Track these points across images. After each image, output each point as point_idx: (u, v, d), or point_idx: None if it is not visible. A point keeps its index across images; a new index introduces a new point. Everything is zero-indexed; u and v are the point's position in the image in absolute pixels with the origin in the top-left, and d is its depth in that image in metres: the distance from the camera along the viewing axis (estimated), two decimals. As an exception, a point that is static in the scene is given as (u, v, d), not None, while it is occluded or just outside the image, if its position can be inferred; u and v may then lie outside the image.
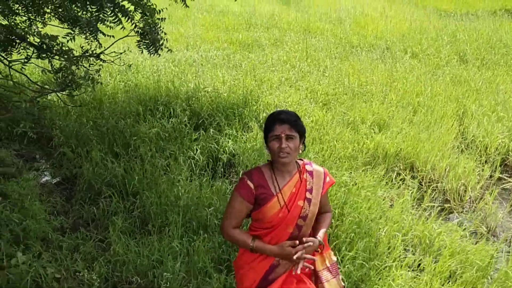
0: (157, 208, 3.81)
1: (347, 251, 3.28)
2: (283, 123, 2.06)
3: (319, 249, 2.23)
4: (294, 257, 2.10)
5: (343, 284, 2.39)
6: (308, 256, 2.13)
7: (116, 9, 3.55)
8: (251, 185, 2.14)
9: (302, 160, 2.28)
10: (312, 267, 2.25)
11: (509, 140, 5.25)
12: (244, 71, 7.36)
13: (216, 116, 5.56)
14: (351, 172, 4.52)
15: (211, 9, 13.30)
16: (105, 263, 3.29)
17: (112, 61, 4.57)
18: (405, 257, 3.36)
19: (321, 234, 2.24)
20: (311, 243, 2.14)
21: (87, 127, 5.14)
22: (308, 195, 2.19)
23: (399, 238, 3.53)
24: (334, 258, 2.34)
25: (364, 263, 3.19)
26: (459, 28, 10.43)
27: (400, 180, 4.60)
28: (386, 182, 4.51)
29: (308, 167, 2.25)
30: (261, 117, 5.64)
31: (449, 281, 3.17)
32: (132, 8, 3.76)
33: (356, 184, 4.25)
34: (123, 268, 3.23)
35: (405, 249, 3.56)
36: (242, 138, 5.07)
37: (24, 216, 3.61)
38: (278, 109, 2.21)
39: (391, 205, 4.17)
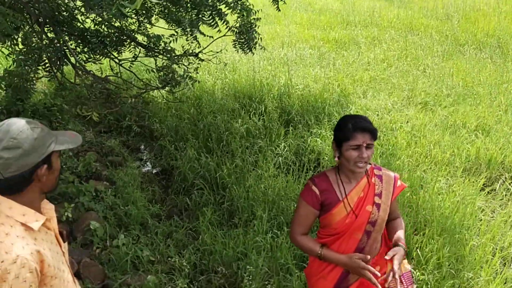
0: (244, 202, 3.95)
1: (430, 257, 3.09)
2: (365, 132, 1.97)
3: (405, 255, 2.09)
4: (363, 273, 1.97)
5: None
6: (373, 272, 1.96)
7: (214, 12, 3.75)
8: (316, 191, 2.08)
9: (370, 163, 2.17)
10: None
11: None
12: (337, 70, 7.25)
13: (305, 114, 5.57)
14: (447, 179, 4.25)
15: (309, 7, 13.28)
16: (194, 251, 3.50)
17: (210, 60, 4.82)
18: (502, 273, 3.08)
19: (402, 236, 2.12)
20: (395, 254, 1.99)
21: (185, 122, 5.49)
22: (377, 199, 2.09)
23: (498, 251, 3.24)
24: (408, 267, 2.21)
25: (451, 270, 3.00)
26: None
27: (505, 190, 4.20)
28: (488, 192, 4.16)
29: (376, 171, 2.15)
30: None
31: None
32: (228, 11, 3.94)
33: (453, 191, 3.99)
34: (210, 258, 3.40)
35: (504, 264, 3.26)
36: (331, 138, 5.01)
37: (126, 202, 3.98)
38: (359, 116, 2.09)
39: (492, 217, 3.85)
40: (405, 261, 2.23)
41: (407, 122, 5.36)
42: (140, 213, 3.85)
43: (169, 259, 3.41)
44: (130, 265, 3.29)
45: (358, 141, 1.96)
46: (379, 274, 1.97)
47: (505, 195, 4.14)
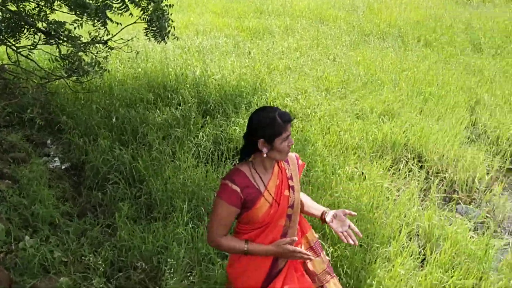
0: (163, 194, 3.85)
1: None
2: (290, 122, 2.03)
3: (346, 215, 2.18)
4: (295, 255, 2.06)
5: (328, 258, 2.36)
6: (305, 254, 2.07)
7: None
8: (237, 189, 2.01)
9: None
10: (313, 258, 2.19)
11: (521, 131, 5.17)
12: (253, 59, 7.33)
13: (224, 103, 5.56)
14: (357, 163, 4.50)
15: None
16: (111, 248, 3.35)
17: (120, 48, 4.58)
18: (408, 246, 3.35)
19: (323, 207, 2.25)
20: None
21: (96, 114, 5.19)
22: (290, 182, 2.14)
23: (404, 227, 3.52)
24: (316, 236, 2.33)
25: (364, 245, 3.20)
26: (474, 16, 10.22)
27: (408, 170, 4.56)
28: (394, 173, 4.49)
29: None
30: (269, 105, 5.62)
31: (450, 271, 3.16)
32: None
33: (362, 174, 4.24)
34: (129, 254, 3.28)
35: (410, 239, 3.55)
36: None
37: (33, 201, 3.68)
38: (270, 107, 2.08)
39: (398, 195, 4.15)
40: (312, 230, 2.35)
41: (319, 108, 5.57)
42: (48, 212, 3.58)
43: (83, 258, 3.22)
44: (39, 268, 3.06)
45: (288, 131, 2.01)
46: (308, 255, 2.07)
47: (408, 174, 4.50)
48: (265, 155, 2.03)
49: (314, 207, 2.28)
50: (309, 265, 2.25)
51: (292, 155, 2.23)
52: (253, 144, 2.03)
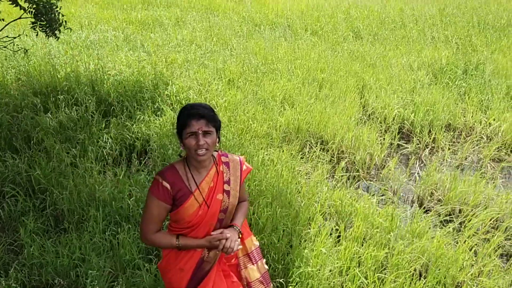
0: (70, 204, 3.57)
1: (268, 223, 3.39)
2: (200, 119, 1.94)
3: (239, 236, 2.17)
4: (225, 246, 2.05)
5: (266, 267, 2.36)
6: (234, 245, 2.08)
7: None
8: (167, 185, 2.01)
9: (217, 151, 2.19)
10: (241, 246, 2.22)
11: (404, 109, 5.78)
12: (148, 53, 7.08)
13: (125, 101, 5.31)
14: (266, 149, 4.64)
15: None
16: (20, 267, 3.03)
17: (5, 47, 4.09)
18: (325, 226, 3.58)
19: (238, 222, 2.19)
20: (227, 236, 2.06)
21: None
22: (226, 187, 2.12)
23: (317, 208, 3.75)
24: (257, 243, 2.34)
25: (287, 229, 3.35)
26: (351, 5, 11.07)
27: (313, 153, 4.83)
28: (301, 157, 4.72)
29: (223, 158, 2.17)
30: (173, 99, 5.51)
31: (363, 244, 3.46)
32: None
33: (273, 161, 4.39)
34: (42, 271, 3.00)
35: (324, 219, 3.78)
36: (156, 122, 4.92)
37: None
38: (191, 102, 2.05)
39: (307, 178, 4.39)
40: (253, 237, 2.36)
41: (223, 99, 5.61)
42: None
43: (-10, 284, 2.87)
44: None
45: (193, 127, 1.94)
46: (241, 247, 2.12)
47: (313, 158, 4.77)
48: (181, 148, 2.03)
49: (235, 218, 2.22)
50: (242, 272, 2.26)
51: (236, 159, 2.20)
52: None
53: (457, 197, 4.18)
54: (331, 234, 3.44)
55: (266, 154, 4.51)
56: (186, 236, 2.09)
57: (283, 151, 4.61)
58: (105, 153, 4.35)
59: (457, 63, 7.25)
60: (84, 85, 5.52)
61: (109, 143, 4.46)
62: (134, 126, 4.78)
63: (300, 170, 4.42)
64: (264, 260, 2.39)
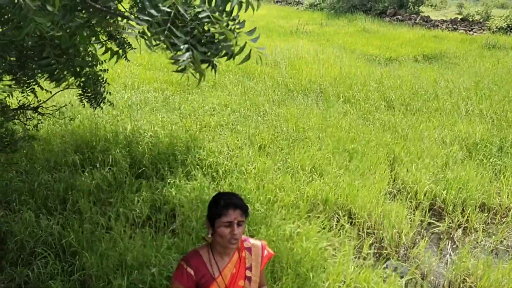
0: (97, 270, 3.63)
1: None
2: (236, 209, 2.02)
3: None
4: None
5: None
6: None
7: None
8: (191, 272, 2.07)
9: None
10: None
11: (435, 185, 5.68)
12: (183, 115, 7.36)
13: (158, 163, 5.48)
14: (294, 221, 4.62)
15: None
16: (43, 334, 3.07)
17: (51, 114, 4.38)
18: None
19: None
20: None
21: (15, 179, 4.83)
22: (248, 273, 2.17)
23: (343, 289, 3.65)
24: None
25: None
26: (384, 74, 11.24)
27: (341, 227, 4.77)
28: (329, 230, 4.67)
29: (246, 244, 2.23)
30: (203, 164, 5.65)
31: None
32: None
33: (298, 234, 4.36)
34: None
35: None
36: (186, 187, 5.03)
37: None
38: (223, 191, 2.16)
39: (333, 254, 4.31)
40: None
41: (253, 166, 5.70)
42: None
43: None
44: None
45: (230, 217, 2.01)
46: None
47: (341, 232, 4.70)
48: (209, 235, 2.08)
49: None
50: None
51: (258, 244, 2.25)
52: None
53: (490, 286, 3.99)
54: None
55: (293, 227, 4.48)
56: None
57: (310, 223, 4.57)
58: (135, 216, 4.45)
59: (492, 139, 7.15)
60: (121, 146, 5.76)
61: (139, 205, 4.57)
62: (165, 190, 4.89)
63: (327, 247, 4.35)
64: None
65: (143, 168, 5.37)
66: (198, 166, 5.59)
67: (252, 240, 2.26)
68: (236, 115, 7.59)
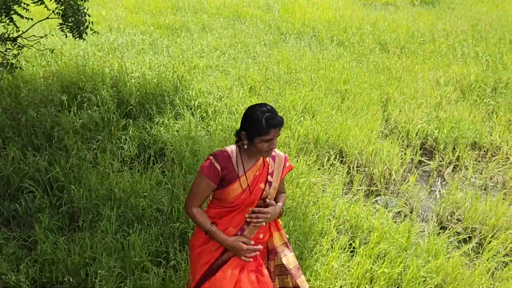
0: (87, 202, 3.61)
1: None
2: (277, 127, 2.12)
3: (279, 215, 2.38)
4: (244, 255, 2.22)
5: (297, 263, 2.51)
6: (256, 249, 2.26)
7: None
8: (218, 167, 2.19)
9: None
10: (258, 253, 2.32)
11: (427, 125, 5.64)
12: (172, 57, 7.16)
13: (146, 103, 5.36)
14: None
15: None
16: (32, 263, 3.07)
17: (32, 46, 4.19)
18: (338, 240, 3.51)
19: (281, 203, 2.40)
20: (270, 210, 2.26)
21: (1, 116, 4.71)
22: (269, 178, 2.29)
23: (332, 222, 3.67)
24: (287, 236, 2.53)
25: (298, 243, 3.29)
26: (379, 18, 10.94)
27: (331, 165, 4.76)
28: (318, 168, 4.66)
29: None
30: (192, 104, 5.54)
31: (377, 260, 3.36)
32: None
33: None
34: (53, 268, 3.03)
35: (338, 233, 3.71)
36: (174, 126, 4.95)
37: None
38: (267, 106, 2.15)
39: (323, 190, 4.32)
40: (283, 231, 2.52)
41: (243, 106, 5.60)
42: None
43: (2, 276, 2.92)
44: None
45: (272, 135, 2.12)
46: (261, 247, 2.27)
47: (331, 170, 4.70)
48: (245, 147, 2.19)
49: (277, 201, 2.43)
50: (284, 260, 2.42)
51: (281, 155, 2.37)
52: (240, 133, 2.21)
53: (477, 217, 4.04)
54: (344, 249, 3.36)
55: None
56: (218, 228, 2.24)
57: (300, 161, 4.55)
58: (123, 154, 4.39)
59: (487, 80, 7.06)
60: (108, 86, 5.61)
61: (127, 144, 4.50)
62: (153, 129, 4.81)
63: (316, 182, 4.35)
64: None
65: (130, 107, 5.25)
66: (186, 107, 5.49)
67: (277, 151, 2.38)
68: (226, 57, 7.39)
